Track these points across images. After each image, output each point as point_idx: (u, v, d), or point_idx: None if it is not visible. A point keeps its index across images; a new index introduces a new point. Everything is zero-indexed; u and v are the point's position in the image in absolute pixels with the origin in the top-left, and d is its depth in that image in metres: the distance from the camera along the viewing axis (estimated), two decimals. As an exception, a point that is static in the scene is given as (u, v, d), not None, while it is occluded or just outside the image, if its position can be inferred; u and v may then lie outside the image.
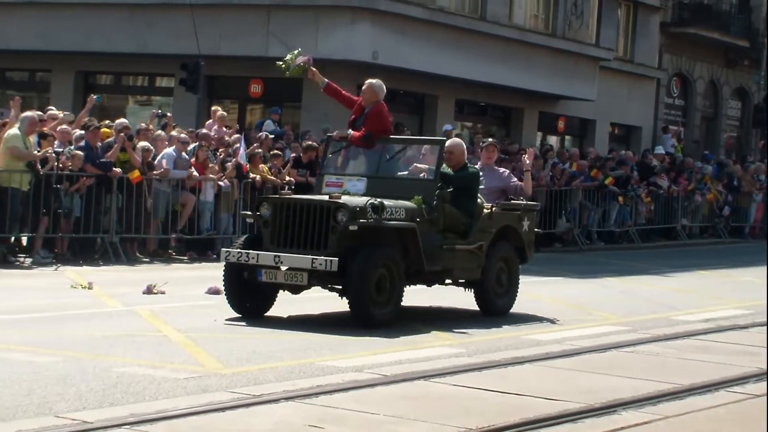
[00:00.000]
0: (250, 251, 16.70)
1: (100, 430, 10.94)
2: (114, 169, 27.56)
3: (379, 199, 16.73)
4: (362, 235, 16.23)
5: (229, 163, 30.18)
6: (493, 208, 19.00)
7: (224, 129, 32.46)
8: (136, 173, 27.51)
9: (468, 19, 45.09)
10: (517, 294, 19.50)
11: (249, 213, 18.92)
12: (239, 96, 42.96)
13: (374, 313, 16.22)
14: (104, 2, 45.29)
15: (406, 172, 19.50)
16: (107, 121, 31.12)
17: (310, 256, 15.95)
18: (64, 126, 28.81)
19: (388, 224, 16.54)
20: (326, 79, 19.46)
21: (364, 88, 19.21)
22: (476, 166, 20.16)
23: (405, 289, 18.29)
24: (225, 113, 34.67)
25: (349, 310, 17.64)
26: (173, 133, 30.54)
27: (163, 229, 29.84)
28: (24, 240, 27.04)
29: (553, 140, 49.81)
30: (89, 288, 21.55)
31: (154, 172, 28.15)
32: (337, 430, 11.18)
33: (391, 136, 19.90)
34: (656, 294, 26.30)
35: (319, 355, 15.69)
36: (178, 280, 22.98)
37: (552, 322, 20.03)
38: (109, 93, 43.87)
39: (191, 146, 29.62)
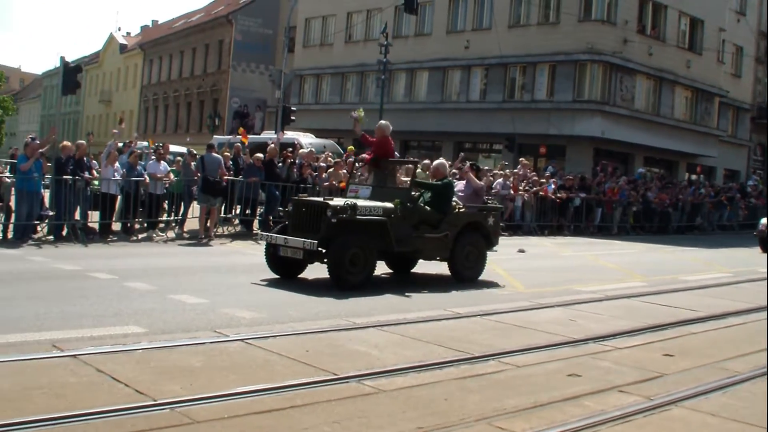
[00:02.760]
0: (273, 234, 14.34)
1: (465, 317, 11.15)
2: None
3: (354, 201, 13.94)
4: (344, 225, 13.42)
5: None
6: (461, 209, 15.65)
7: (527, 171, 32.13)
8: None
9: (651, 114, 43.89)
10: (484, 267, 15.62)
11: (281, 209, 16.80)
12: (534, 153, 42.53)
13: (348, 279, 13.20)
14: (473, 108, 45.63)
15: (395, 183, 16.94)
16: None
17: (302, 239, 13.47)
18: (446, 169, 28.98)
19: (359, 218, 13.59)
20: (362, 131, 16.84)
21: (376, 127, 16.51)
22: (452, 179, 17.10)
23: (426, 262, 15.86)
24: (527, 162, 34.35)
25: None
26: (499, 171, 30.49)
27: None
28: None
29: (694, 177, 48.11)
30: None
31: (492, 191, 28.10)
32: (583, 322, 11.17)
33: (390, 159, 16.65)
34: (749, 256, 25.18)
35: (573, 284, 15.58)
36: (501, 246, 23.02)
37: (692, 271, 19.47)
38: (470, 152, 43.91)
39: (511, 178, 29.51)
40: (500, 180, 28.80)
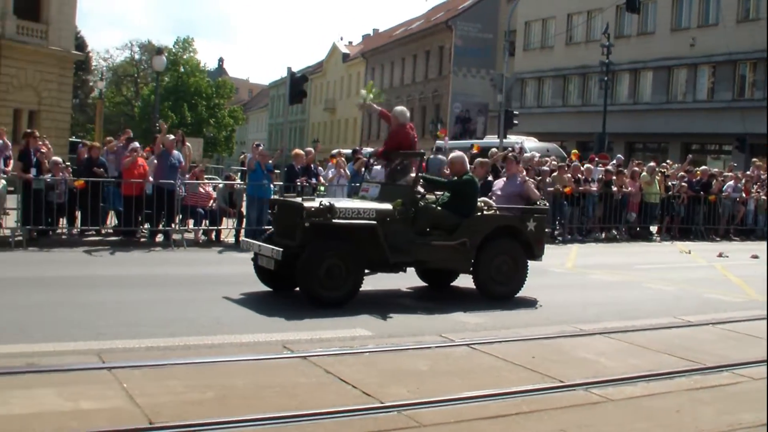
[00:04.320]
0: (252, 241, 12.73)
1: (696, 326, 10.75)
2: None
3: (332, 202, 11.53)
4: (321, 231, 11.29)
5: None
6: (485, 211, 12.76)
7: (760, 172, 30.51)
8: (712, 196, 26.65)
9: None
10: (524, 283, 12.72)
11: (270, 211, 14.35)
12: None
13: (322, 295, 11.04)
14: (701, 108, 44.22)
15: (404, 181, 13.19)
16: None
17: (271, 247, 11.45)
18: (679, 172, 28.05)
19: (337, 223, 11.29)
20: (379, 108, 14.51)
21: (391, 114, 13.84)
22: (472, 174, 13.35)
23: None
24: (761, 163, 32.74)
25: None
26: (729, 173, 29.21)
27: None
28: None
29: None
30: (689, 253, 20.96)
31: (723, 194, 27.04)
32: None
33: (399, 152, 13.40)
34: None
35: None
36: (732, 251, 21.98)
37: None
38: (698, 153, 42.50)
39: (742, 180, 28.29)
40: (731, 182, 27.66)
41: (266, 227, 19.33)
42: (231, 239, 19.22)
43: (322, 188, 20.53)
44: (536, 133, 39.41)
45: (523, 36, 56.99)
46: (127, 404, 6.33)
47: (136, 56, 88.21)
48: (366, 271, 11.73)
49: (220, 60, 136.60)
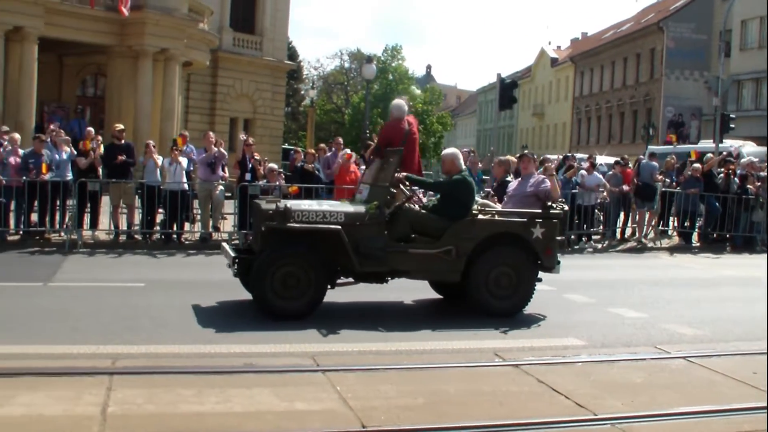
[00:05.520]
0: (224, 246, 11.60)
1: None
2: None
3: (286, 204, 10.34)
4: (279, 235, 10.25)
5: None
6: (480, 215, 11.03)
7: None
8: None
9: None
10: (530, 298, 11.07)
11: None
12: None
13: (277, 305, 10.01)
14: None
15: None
16: None
17: (230, 252, 10.77)
18: None
19: (290, 227, 10.10)
20: None
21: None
22: (466, 174, 11.49)
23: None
24: None
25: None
26: None
27: None
28: None
29: None
30: None
31: None
32: None
33: (389, 149, 11.78)
34: None
35: None
36: None
37: None
38: None
39: None
40: None
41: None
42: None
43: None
44: (754, 137, 37.82)
45: (740, 35, 54.81)
46: (340, 407, 6.49)
47: (346, 65, 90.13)
48: (341, 279, 10.91)
49: (428, 67, 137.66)
